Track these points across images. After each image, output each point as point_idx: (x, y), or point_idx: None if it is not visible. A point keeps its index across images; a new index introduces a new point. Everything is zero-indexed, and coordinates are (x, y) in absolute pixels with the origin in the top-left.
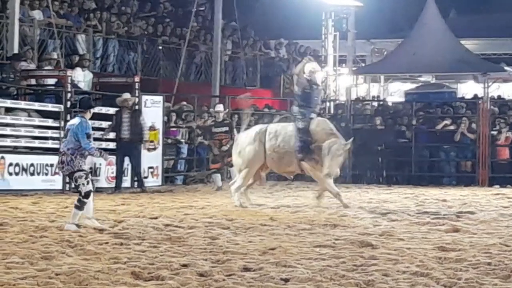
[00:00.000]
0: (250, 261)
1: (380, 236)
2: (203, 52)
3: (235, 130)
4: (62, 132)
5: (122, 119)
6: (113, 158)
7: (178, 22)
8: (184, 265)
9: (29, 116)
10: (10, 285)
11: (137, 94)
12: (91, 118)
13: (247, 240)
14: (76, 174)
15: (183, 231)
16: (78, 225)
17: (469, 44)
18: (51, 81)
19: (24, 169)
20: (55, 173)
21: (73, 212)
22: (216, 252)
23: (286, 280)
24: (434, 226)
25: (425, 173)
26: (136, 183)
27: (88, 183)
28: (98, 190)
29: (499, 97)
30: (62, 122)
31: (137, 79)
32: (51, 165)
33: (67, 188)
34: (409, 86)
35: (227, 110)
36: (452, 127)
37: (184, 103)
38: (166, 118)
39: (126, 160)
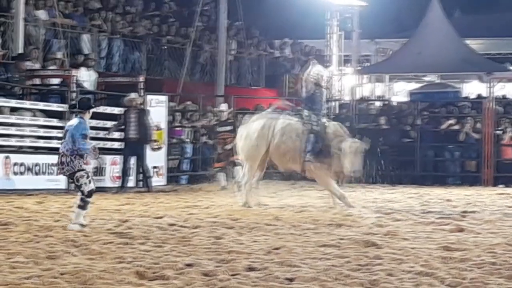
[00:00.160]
0: (254, 261)
1: (385, 235)
2: (208, 51)
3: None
4: None
5: (129, 119)
6: (119, 158)
7: (182, 21)
8: (189, 265)
9: (34, 116)
10: (15, 285)
11: (141, 94)
12: (95, 118)
13: (252, 239)
14: (78, 174)
15: (188, 230)
16: (82, 225)
17: (474, 44)
18: (56, 81)
19: (29, 169)
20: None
21: (76, 212)
22: (221, 252)
23: (291, 280)
24: (438, 226)
25: (430, 173)
26: (142, 183)
27: (90, 182)
28: (103, 190)
29: (503, 96)
30: (67, 122)
31: (141, 78)
32: (56, 165)
33: (72, 188)
34: (413, 85)
35: (231, 109)
36: (456, 127)
37: (189, 102)
38: (170, 117)
39: (132, 160)
